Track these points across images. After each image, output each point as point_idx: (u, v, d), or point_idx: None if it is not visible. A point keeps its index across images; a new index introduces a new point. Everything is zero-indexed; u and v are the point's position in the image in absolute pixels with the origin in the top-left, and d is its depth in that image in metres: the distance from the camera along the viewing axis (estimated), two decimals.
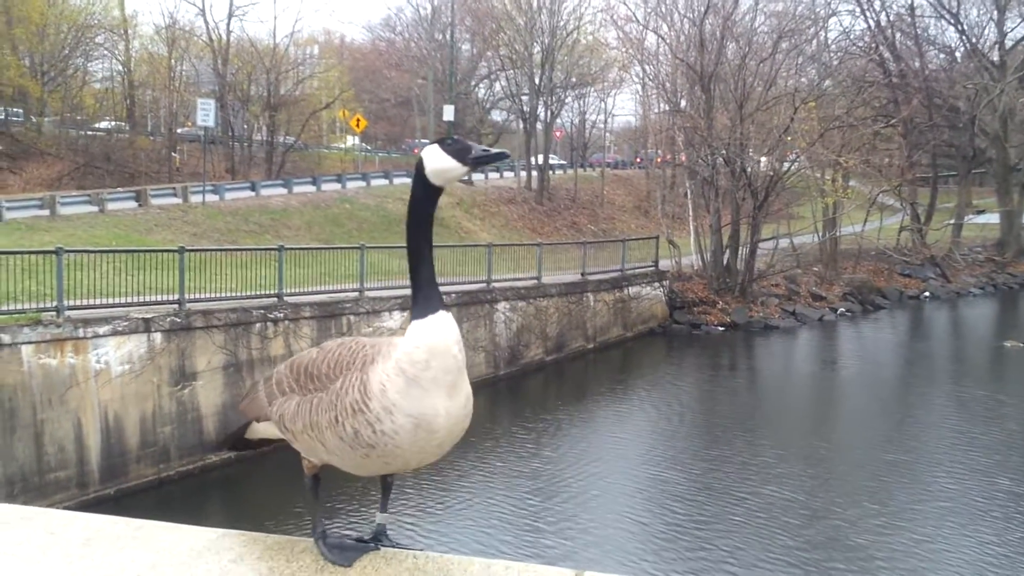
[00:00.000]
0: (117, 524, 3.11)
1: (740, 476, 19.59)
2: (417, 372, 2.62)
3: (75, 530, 3.05)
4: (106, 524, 3.11)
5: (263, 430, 3.20)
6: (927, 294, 49.24)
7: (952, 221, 57.41)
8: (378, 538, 2.96)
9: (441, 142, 2.81)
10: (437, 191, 2.83)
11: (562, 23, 57.14)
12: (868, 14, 58.95)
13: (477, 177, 58.11)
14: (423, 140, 55.55)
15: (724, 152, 40.84)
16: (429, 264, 2.83)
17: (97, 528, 3.07)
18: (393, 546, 2.93)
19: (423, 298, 2.76)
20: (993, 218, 61.82)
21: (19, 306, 17.37)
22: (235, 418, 13.68)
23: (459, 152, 2.77)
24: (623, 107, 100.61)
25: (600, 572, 2.69)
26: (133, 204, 34.83)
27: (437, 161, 2.78)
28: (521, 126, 63.00)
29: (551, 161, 63.49)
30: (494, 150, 2.86)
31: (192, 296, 20.25)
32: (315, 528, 2.93)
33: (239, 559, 2.83)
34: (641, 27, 48.73)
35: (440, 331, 2.69)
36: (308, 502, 3.04)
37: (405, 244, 2.88)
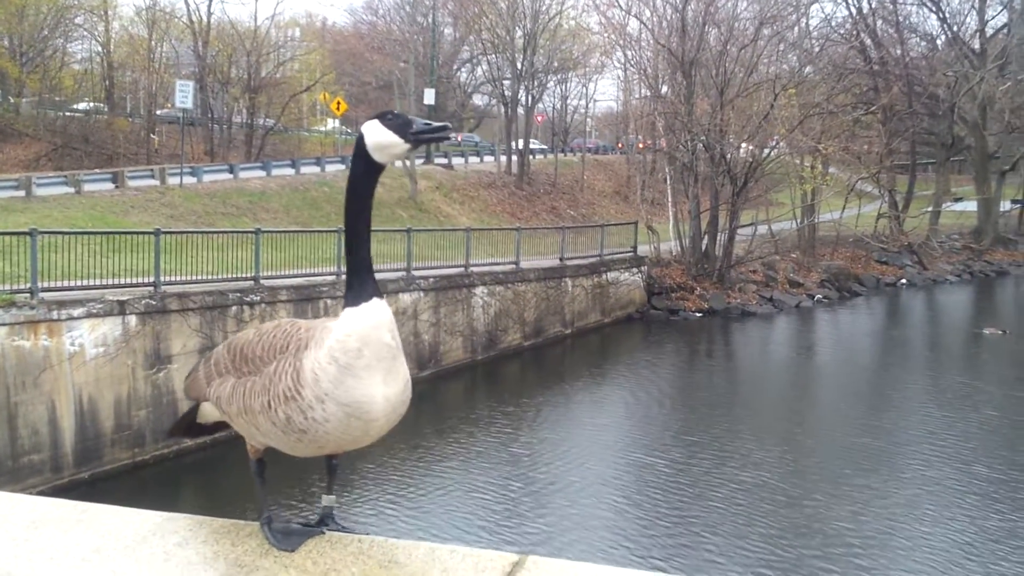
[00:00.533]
0: (63, 507, 3.08)
1: (717, 462, 19.69)
2: (350, 360, 2.59)
3: (21, 512, 3.03)
4: (52, 507, 3.09)
5: (211, 412, 3.17)
6: (904, 281, 49.49)
7: (930, 209, 57.69)
8: (324, 521, 2.94)
9: (381, 116, 2.74)
10: (379, 168, 2.76)
11: (544, 7, 57.08)
12: (850, 1, 59.12)
13: (457, 161, 58.01)
14: None
15: (704, 138, 40.90)
16: (366, 247, 2.75)
17: (43, 511, 3.04)
18: (339, 530, 2.91)
19: (357, 284, 2.69)
20: (971, 206, 62.16)
21: None
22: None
23: (400, 127, 2.70)
24: (605, 92, 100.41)
25: (544, 556, 2.69)
26: (110, 185, 34.62)
27: (378, 136, 2.71)
28: (502, 111, 62.85)
29: (532, 146, 63.43)
30: (435, 124, 2.76)
31: (168, 279, 20.20)
32: (261, 512, 2.91)
33: (184, 542, 2.83)
34: (623, 12, 48.63)
35: (372, 318, 2.63)
36: (255, 486, 3.02)
37: (345, 225, 2.79)
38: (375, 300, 2.67)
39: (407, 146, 2.71)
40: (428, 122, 2.75)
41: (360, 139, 2.73)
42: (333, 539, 2.83)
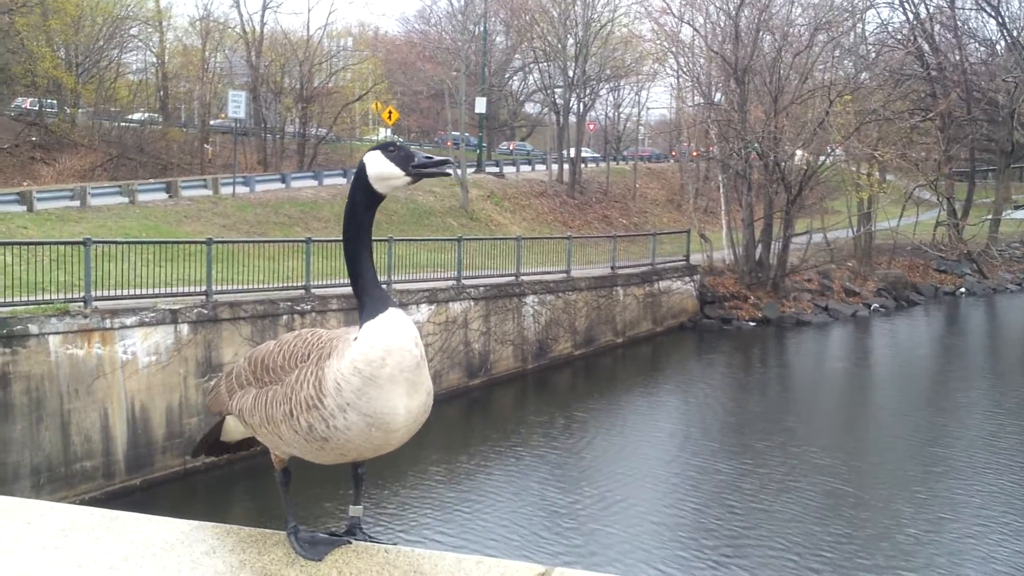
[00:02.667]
0: (93, 515, 3.13)
1: (770, 475, 19.36)
2: (373, 371, 2.59)
3: (51, 520, 3.08)
4: (83, 515, 3.14)
5: (234, 428, 3.21)
6: (963, 290, 48.64)
7: (990, 216, 56.62)
8: (352, 531, 2.96)
9: (384, 148, 2.79)
10: (379, 199, 2.81)
11: (596, 15, 56.83)
12: (907, 6, 58.24)
13: (508, 169, 57.92)
14: (454, 132, 55.32)
15: (758, 146, 40.47)
16: (370, 268, 2.78)
17: (73, 519, 3.09)
18: (365, 540, 2.93)
19: (370, 300, 2.71)
20: None
21: (47, 296, 17.48)
22: None
23: (402, 160, 2.77)
24: (657, 100, 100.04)
25: (570, 568, 2.69)
26: (163, 195, 34.94)
27: (380, 167, 2.76)
28: (554, 119, 62.71)
29: (584, 154, 63.23)
30: (437, 158, 2.81)
31: (219, 288, 20.30)
32: (287, 521, 2.94)
33: (211, 551, 2.87)
34: (676, 19, 48.34)
35: (395, 328, 2.65)
36: (280, 495, 3.06)
37: (342, 242, 2.85)
38: (392, 310, 2.68)
39: (408, 179, 2.78)
40: (429, 156, 2.82)
41: (361, 169, 2.78)
42: (359, 549, 2.87)
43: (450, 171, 2.87)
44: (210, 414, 3.32)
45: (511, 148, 78.20)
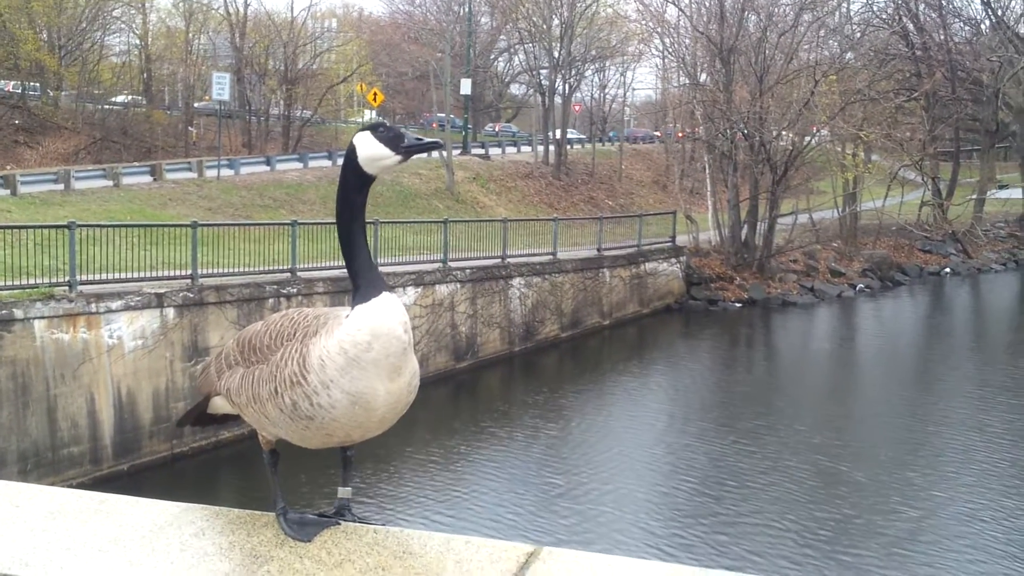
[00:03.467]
0: (82, 498, 3.14)
1: (756, 454, 19.45)
2: (358, 353, 2.59)
3: (40, 503, 3.08)
4: (71, 498, 3.14)
5: (222, 406, 3.20)
6: (948, 270, 48.84)
7: (974, 196, 56.81)
8: (341, 512, 2.96)
9: (373, 129, 2.77)
10: (370, 180, 2.81)
11: None
12: None
13: (494, 151, 57.85)
14: (439, 114, 55.20)
15: (743, 126, 40.47)
16: (364, 250, 2.80)
17: (62, 502, 3.10)
18: (354, 521, 2.93)
19: (364, 283, 2.70)
20: (1016, 193, 61.05)
21: (32, 281, 17.39)
22: None
23: (392, 140, 2.74)
24: (643, 81, 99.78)
25: (559, 548, 2.71)
26: (148, 179, 34.82)
27: (371, 148, 2.75)
28: (540, 100, 62.61)
29: (570, 136, 63.13)
30: (427, 140, 2.81)
31: (205, 271, 20.24)
32: (276, 503, 2.94)
33: (200, 533, 2.87)
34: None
35: (385, 313, 2.63)
36: (268, 477, 3.06)
37: (337, 225, 2.87)
38: (385, 294, 2.67)
39: (398, 158, 2.77)
40: (419, 137, 2.80)
41: (352, 151, 2.77)
42: (348, 530, 2.87)
43: (442, 147, 2.89)
44: (199, 395, 3.32)
45: (497, 129, 78.01)
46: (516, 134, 73.51)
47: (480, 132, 70.38)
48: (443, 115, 54.19)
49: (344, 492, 3.01)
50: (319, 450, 2.92)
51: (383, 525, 2.89)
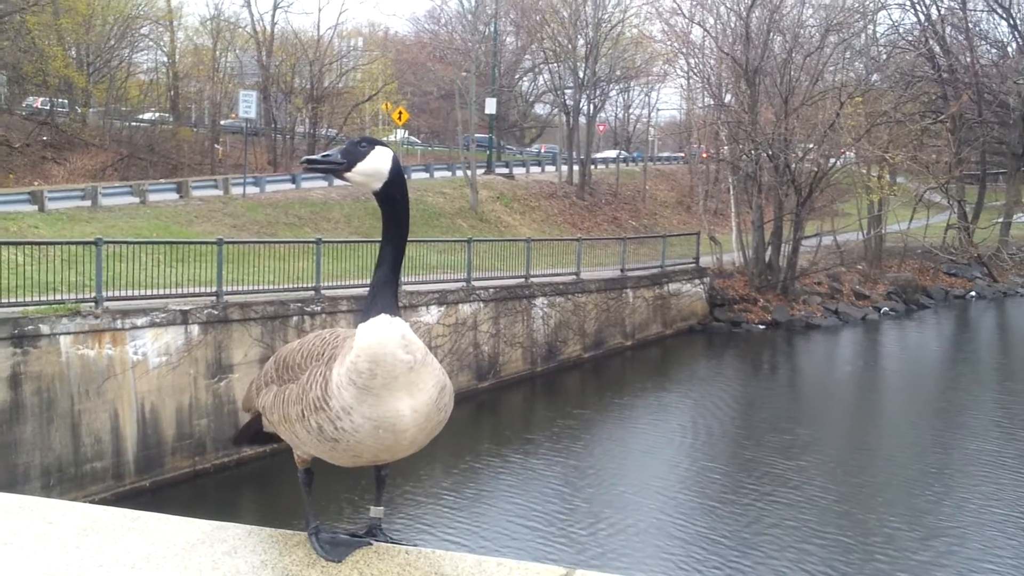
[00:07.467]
0: (115, 515, 3.15)
1: (779, 480, 19.30)
2: (365, 382, 2.58)
3: (73, 520, 3.10)
4: (104, 515, 3.16)
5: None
6: (973, 293, 48.49)
7: (1000, 219, 56.42)
8: (372, 532, 2.98)
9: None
10: (377, 195, 2.86)
11: (606, 16, 56.81)
12: (918, 8, 58.09)
13: (518, 171, 57.89)
14: (474, 135, 55.27)
15: (768, 147, 40.39)
16: (383, 267, 2.79)
17: (94, 519, 3.11)
18: (386, 541, 2.93)
19: (370, 301, 2.70)
20: None
21: (59, 296, 17.47)
22: None
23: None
24: (667, 101, 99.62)
25: (591, 571, 2.69)
26: (174, 196, 34.98)
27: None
28: (564, 120, 62.69)
29: (609, 155, 63.05)
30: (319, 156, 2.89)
31: (230, 288, 20.29)
32: (308, 522, 2.94)
33: (233, 551, 2.88)
34: (686, 20, 48.24)
35: (378, 336, 2.61)
36: (302, 495, 3.08)
37: (407, 239, 2.92)
38: (383, 316, 2.64)
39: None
40: (327, 154, 2.86)
41: (396, 166, 2.82)
42: (380, 550, 2.87)
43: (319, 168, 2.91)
44: (244, 412, 3.35)
45: (543, 150, 77.69)
46: (557, 154, 73.17)
47: (504, 152, 70.52)
48: (481, 135, 54.14)
49: (376, 511, 3.01)
50: (351, 468, 2.90)
51: (414, 546, 2.88)
